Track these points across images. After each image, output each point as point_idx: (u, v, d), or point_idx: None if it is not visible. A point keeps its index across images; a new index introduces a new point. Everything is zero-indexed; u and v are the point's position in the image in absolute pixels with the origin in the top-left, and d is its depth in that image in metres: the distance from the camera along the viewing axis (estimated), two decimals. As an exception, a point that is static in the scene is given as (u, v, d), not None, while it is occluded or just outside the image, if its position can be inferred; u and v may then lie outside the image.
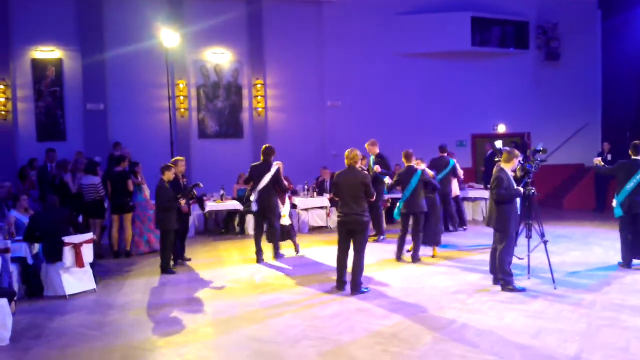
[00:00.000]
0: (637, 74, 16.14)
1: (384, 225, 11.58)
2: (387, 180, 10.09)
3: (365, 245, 7.32)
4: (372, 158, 10.88)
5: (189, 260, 9.70)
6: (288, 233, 9.93)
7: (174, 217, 8.83)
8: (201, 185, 9.67)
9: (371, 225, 8.77)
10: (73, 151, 13.13)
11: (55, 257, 7.44)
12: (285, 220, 9.75)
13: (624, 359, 4.78)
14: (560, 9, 17.37)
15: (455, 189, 12.11)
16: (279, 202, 9.61)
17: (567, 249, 9.76)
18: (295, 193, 13.35)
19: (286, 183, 9.78)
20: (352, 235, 7.28)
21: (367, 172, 8.46)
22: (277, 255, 9.61)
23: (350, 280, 7.30)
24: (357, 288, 7.20)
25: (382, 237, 11.08)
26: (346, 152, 7.41)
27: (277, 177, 9.37)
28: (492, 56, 17.32)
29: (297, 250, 10.04)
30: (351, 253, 7.35)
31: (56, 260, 7.44)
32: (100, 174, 10.52)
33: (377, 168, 10.60)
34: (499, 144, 9.48)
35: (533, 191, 7.36)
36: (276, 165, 9.42)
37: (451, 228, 11.94)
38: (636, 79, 16.22)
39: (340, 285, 7.39)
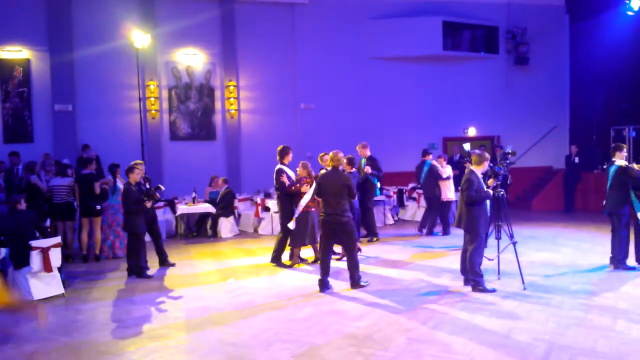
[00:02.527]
0: (604, 78, 16.54)
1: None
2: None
3: (353, 242, 7.54)
4: (363, 160, 11.08)
5: (173, 265, 9.50)
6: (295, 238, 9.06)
7: (140, 220, 8.72)
8: (162, 187, 9.55)
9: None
10: (41, 153, 12.86)
11: (23, 261, 7.27)
12: (291, 224, 8.93)
13: (592, 357, 4.88)
14: (529, 14, 17.70)
15: (446, 193, 11.68)
16: (293, 204, 9.05)
17: (536, 249, 9.92)
18: (268, 195, 13.30)
19: (285, 182, 8.98)
20: (335, 234, 7.46)
21: (349, 175, 8.44)
22: (275, 259, 9.22)
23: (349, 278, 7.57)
24: (356, 283, 7.46)
25: (373, 239, 11.16)
26: (330, 154, 7.60)
27: (277, 177, 9.07)
28: (463, 60, 17.55)
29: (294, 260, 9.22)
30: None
31: (23, 265, 7.27)
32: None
33: (368, 169, 10.80)
34: (467, 146, 9.60)
35: (502, 193, 7.47)
36: (278, 166, 9.13)
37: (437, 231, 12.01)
38: (603, 82, 16.63)
39: (322, 286, 7.42)
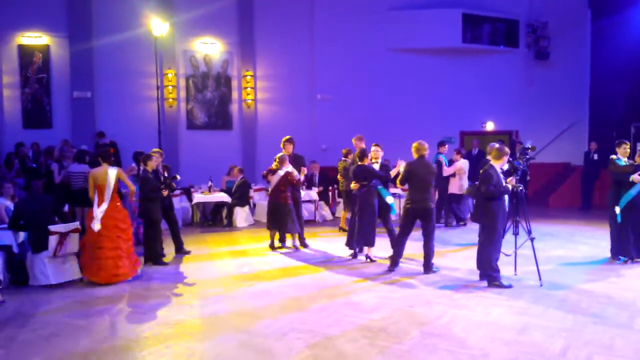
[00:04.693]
0: (624, 74, 16.28)
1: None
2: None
3: (434, 229, 7.92)
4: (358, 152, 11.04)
5: (189, 252, 9.58)
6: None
7: (157, 207, 8.78)
8: (178, 177, 9.59)
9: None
10: (59, 139, 12.99)
11: (41, 246, 7.35)
12: None
13: (609, 355, 4.83)
14: (550, 8, 17.47)
15: (454, 186, 12.00)
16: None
17: (553, 246, 9.84)
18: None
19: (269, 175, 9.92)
20: (419, 220, 7.92)
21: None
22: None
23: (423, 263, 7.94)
24: (429, 268, 7.84)
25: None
26: (416, 144, 7.88)
27: None
28: (482, 53, 17.38)
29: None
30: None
31: (42, 249, 7.35)
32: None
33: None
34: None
35: (521, 188, 7.39)
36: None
37: (453, 223, 12.24)
38: (623, 79, 16.36)
39: (392, 264, 8.05)
